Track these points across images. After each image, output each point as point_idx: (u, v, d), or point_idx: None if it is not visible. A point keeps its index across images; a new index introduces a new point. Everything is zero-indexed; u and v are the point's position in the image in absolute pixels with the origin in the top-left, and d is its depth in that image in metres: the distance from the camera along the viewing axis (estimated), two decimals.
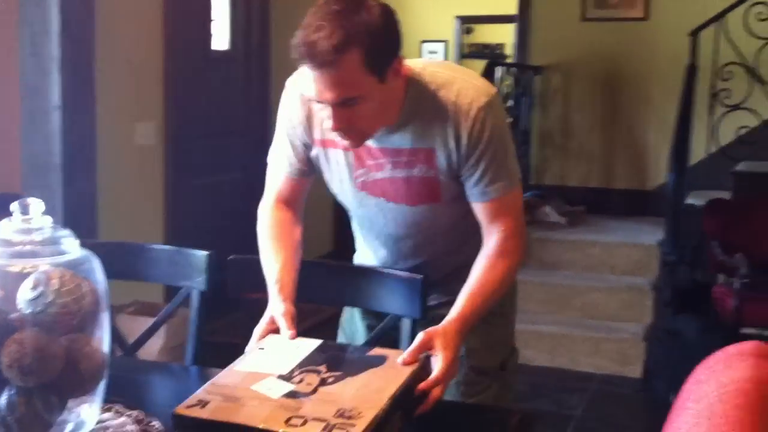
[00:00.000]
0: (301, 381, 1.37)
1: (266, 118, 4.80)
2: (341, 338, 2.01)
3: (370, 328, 1.92)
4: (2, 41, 3.30)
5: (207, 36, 4.48)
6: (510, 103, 5.44)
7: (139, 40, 3.83)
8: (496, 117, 1.65)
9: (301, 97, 1.71)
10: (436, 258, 1.79)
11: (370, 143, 1.66)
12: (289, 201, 1.84)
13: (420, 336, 1.49)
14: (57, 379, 1.24)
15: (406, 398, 1.35)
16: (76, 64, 3.33)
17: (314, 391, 1.33)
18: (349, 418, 1.24)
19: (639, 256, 4.58)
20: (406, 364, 1.42)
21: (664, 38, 5.32)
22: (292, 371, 1.40)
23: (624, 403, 3.82)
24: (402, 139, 1.65)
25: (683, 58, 4.66)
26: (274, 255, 1.74)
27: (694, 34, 4.62)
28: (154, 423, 1.37)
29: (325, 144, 1.74)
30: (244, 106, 4.78)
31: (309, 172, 1.81)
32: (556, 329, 4.26)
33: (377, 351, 1.50)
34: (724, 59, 4.59)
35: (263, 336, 1.58)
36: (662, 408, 1.14)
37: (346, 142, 1.62)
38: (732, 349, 1.10)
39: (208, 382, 1.38)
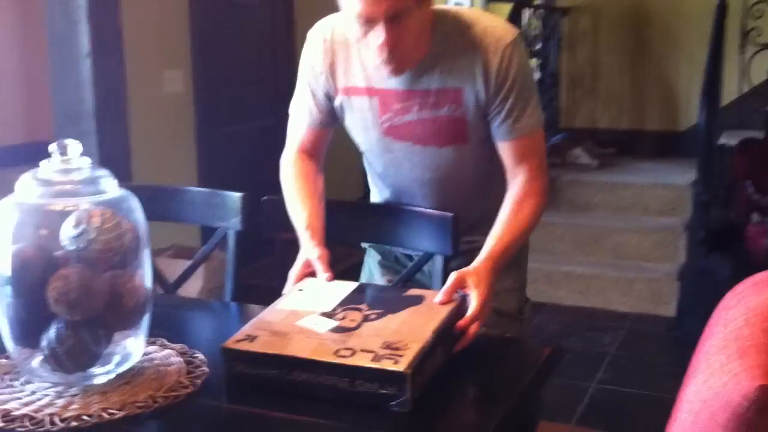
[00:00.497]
0: (344, 318, 1.39)
1: (292, 66, 4.78)
2: None
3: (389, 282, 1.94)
4: None
5: None
6: (538, 46, 5.37)
7: None
8: (522, 55, 1.67)
9: (324, 45, 1.73)
10: (460, 206, 1.79)
11: (398, 86, 1.67)
12: (312, 152, 1.85)
13: (452, 276, 1.51)
14: (102, 313, 1.28)
15: (446, 334, 1.37)
16: (102, 13, 3.34)
17: (358, 326, 1.36)
18: (396, 349, 1.26)
19: (671, 196, 4.55)
20: (441, 303, 1.45)
21: None
22: (335, 309, 1.43)
23: (656, 341, 3.83)
24: (429, 80, 1.66)
25: None
26: (301, 204, 1.76)
27: None
28: (197, 355, 1.41)
29: (348, 92, 1.74)
30: (269, 54, 4.77)
31: (330, 122, 1.81)
32: (588, 270, 4.26)
33: (414, 291, 1.51)
34: None
35: (299, 279, 1.61)
36: (694, 346, 1.14)
37: (387, 70, 1.61)
38: (760, 276, 1.11)
39: (254, 319, 1.41)
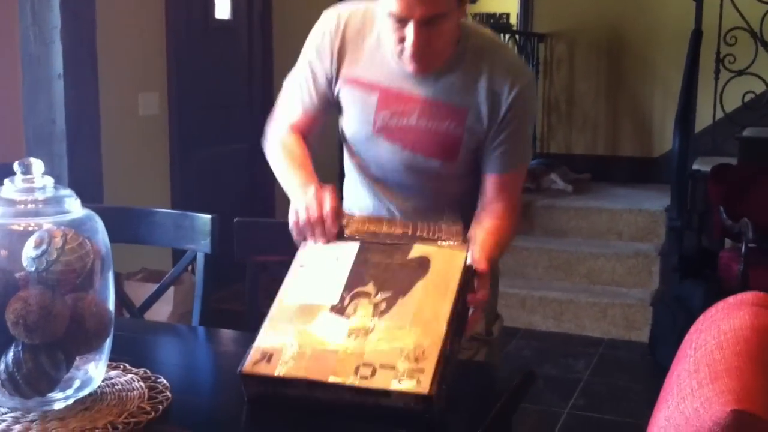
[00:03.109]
0: (355, 311, 1.35)
1: (269, 89, 4.78)
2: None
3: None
4: (2, 12, 3.27)
5: (209, 5, 4.44)
6: None
7: (140, 8, 3.80)
8: (532, 99, 1.73)
9: (338, 29, 1.71)
10: (432, 214, 1.76)
11: (405, 87, 1.66)
12: (303, 132, 1.80)
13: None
14: (63, 336, 1.25)
15: (459, 319, 1.35)
16: (77, 34, 3.31)
17: (372, 329, 1.32)
18: (416, 360, 1.25)
19: (645, 222, 4.58)
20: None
21: (668, 4, 5.28)
22: (342, 298, 1.38)
23: (630, 367, 3.82)
24: (439, 91, 1.65)
25: (687, 24, 4.62)
26: (299, 165, 1.71)
27: None
28: (161, 380, 1.38)
29: (350, 82, 1.72)
30: (246, 76, 4.76)
31: (325, 107, 1.78)
32: (562, 295, 4.26)
33: (418, 250, 1.44)
34: (729, 24, 4.54)
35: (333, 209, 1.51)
36: (668, 373, 1.14)
37: (411, 68, 1.61)
38: (732, 299, 1.10)
39: (264, 323, 1.36)
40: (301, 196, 1.55)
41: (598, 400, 3.42)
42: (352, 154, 1.83)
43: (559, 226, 4.70)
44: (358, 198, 1.86)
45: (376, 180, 1.80)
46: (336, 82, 1.74)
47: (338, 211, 1.50)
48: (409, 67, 1.61)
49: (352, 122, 1.75)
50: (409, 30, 1.54)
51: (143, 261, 3.52)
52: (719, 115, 4.61)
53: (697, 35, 4.51)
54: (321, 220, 1.49)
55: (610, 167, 5.52)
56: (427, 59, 1.60)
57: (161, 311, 3.13)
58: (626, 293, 4.26)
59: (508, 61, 1.67)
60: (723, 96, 4.55)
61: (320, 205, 1.50)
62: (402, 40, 1.57)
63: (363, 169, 1.82)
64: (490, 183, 1.71)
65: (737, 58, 4.53)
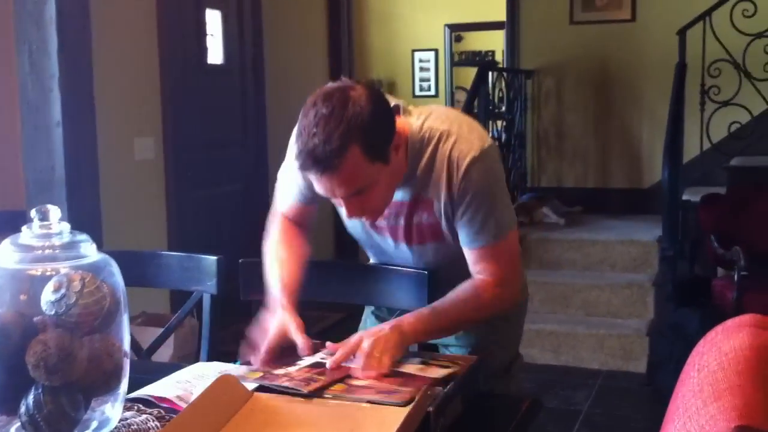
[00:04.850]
0: None
1: (263, 130, 4.85)
2: None
3: None
4: (1, 60, 3.33)
5: (202, 50, 4.52)
6: (503, 107, 5.50)
7: (135, 56, 3.87)
8: (487, 169, 1.67)
9: None
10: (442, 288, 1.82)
11: None
12: (300, 221, 1.89)
13: (352, 337, 1.56)
14: (81, 377, 1.28)
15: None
16: (75, 82, 3.37)
17: None
18: None
19: (638, 252, 4.62)
20: (335, 364, 1.50)
21: (652, 38, 5.39)
22: None
23: (629, 397, 3.85)
24: (405, 194, 1.71)
25: (672, 56, 4.72)
26: (279, 265, 1.78)
27: (682, 32, 4.68)
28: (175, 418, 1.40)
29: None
30: (240, 118, 4.82)
31: (317, 199, 1.81)
32: (559, 327, 4.30)
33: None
34: (712, 56, 4.64)
35: (271, 346, 1.59)
36: (667, 401, 1.17)
37: (365, 222, 1.72)
38: (731, 322, 1.14)
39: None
40: (273, 314, 1.67)
41: (599, 430, 3.44)
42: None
43: (553, 259, 4.74)
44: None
45: (387, 261, 1.89)
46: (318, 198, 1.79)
47: (270, 354, 1.57)
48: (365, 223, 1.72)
49: (346, 219, 1.79)
50: (339, 202, 1.61)
51: (142, 305, 3.55)
52: (706, 145, 4.69)
53: (681, 68, 4.60)
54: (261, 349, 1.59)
55: (602, 199, 5.58)
56: (372, 212, 1.66)
57: (163, 354, 3.14)
58: (622, 324, 4.30)
59: (453, 143, 1.66)
60: (709, 126, 4.64)
61: (263, 336, 1.61)
62: (340, 204, 1.62)
63: (370, 249, 1.93)
64: (468, 258, 1.73)
65: (722, 89, 4.63)
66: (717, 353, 1.06)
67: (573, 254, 4.73)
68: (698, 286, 3.99)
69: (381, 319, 1.97)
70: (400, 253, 1.82)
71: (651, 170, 5.46)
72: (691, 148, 4.85)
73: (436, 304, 1.69)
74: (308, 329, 1.63)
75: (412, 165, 1.67)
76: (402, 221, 1.75)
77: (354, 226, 1.84)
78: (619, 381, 4.01)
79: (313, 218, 1.90)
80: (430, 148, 1.67)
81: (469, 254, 1.72)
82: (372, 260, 1.99)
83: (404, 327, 1.59)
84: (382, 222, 1.77)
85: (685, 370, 1.17)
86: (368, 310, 2.04)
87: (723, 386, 0.93)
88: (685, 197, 4.56)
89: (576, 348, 4.24)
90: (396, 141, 1.59)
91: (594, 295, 4.45)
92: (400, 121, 1.64)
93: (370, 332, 1.57)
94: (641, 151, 5.59)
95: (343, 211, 1.68)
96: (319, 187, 1.56)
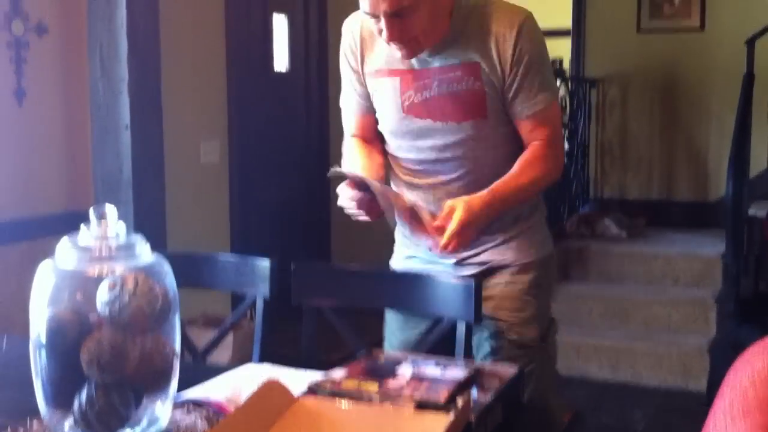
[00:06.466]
0: None
1: (325, 137, 4.90)
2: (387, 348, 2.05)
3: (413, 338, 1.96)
4: (74, 64, 3.44)
5: (268, 57, 4.60)
6: (566, 117, 5.45)
7: (203, 61, 3.96)
8: (534, 32, 1.76)
9: (353, 34, 1.87)
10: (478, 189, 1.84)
11: (416, 65, 1.78)
12: (366, 136, 1.95)
13: (445, 206, 1.67)
14: (132, 376, 1.32)
15: None
16: (143, 86, 3.46)
17: None
18: None
19: (701, 267, 4.53)
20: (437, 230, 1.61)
21: (720, 47, 5.28)
22: None
23: (687, 417, 3.75)
24: (447, 58, 1.76)
25: (740, 67, 4.61)
26: (364, 159, 1.89)
27: (751, 42, 4.57)
28: (222, 419, 1.44)
29: (375, 74, 1.86)
30: (304, 124, 4.89)
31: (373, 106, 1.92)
32: (618, 342, 4.23)
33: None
34: None
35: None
36: None
37: (401, 53, 1.74)
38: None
39: None
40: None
41: None
42: (393, 157, 1.93)
43: (614, 272, 4.68)
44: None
45: (417, 174, 1.89)
46: (365, 79, 1.88)
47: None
48: (398, 53, 1.74)
49: (385, 112, 1.87)
50: (382, 24, 1.67)
51: (204, 306, 3.62)
52: None
53: (749, 79, 4.50)
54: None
55: (665, 211, 5.49)
56: (410, 45, 1.71)
57: (221, 356, 3.20)
58: (683, 340, 4.21)
59: (501, 9, 1.76)
60: None
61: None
62: (380, 32, 1.70)
63: (405, 167, 1.92)
64: (522, 127, 1.79)
65: None
66: (750, 371, 1.05)
67: (634, 267, 4.66)
68: (762, 303, 3.90)
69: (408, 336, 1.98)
70: (436, 144, 1.82)
71: (717, 183, 5.34)
72: (759, 162, 4.74)
73: (504, 183, 1.77)
74: (369, 335, 1.66)
75: (459, 25, 1.74)
76: (446, 88, 1.77)
77: (390, 118, 1.86)
78: (677, 400, 3.92)
79: (376, 129, 1.94)
80: (475, 13, 1.75)
81: (526, 121, 1.78)
82: (398, 185, 1.95)
83: (486, 210, 1.71)
84: (425, 92, 1.78)
85: (721, 387, 1.16)
86: (395, 329, 2.03)
87: (753, 403, 0.93)
88: (750, 212, 4.45)
89: (634, 364, 4.16)
90: None
91: (655, 310, 4.37)
92: None
93: (460, 201, 1.69)
94: (707, 164, 5.48)
95: (384, 36, 1.72)
96: (364, 5, 1.66)
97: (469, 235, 1.68)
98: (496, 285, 1.87)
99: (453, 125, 1.79)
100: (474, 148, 1.81)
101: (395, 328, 2.03)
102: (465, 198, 1.70)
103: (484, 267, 1.88)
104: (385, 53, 1.82)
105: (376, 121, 1.93)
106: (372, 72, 1.86)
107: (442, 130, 1.80)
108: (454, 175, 1.84)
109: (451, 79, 1.76)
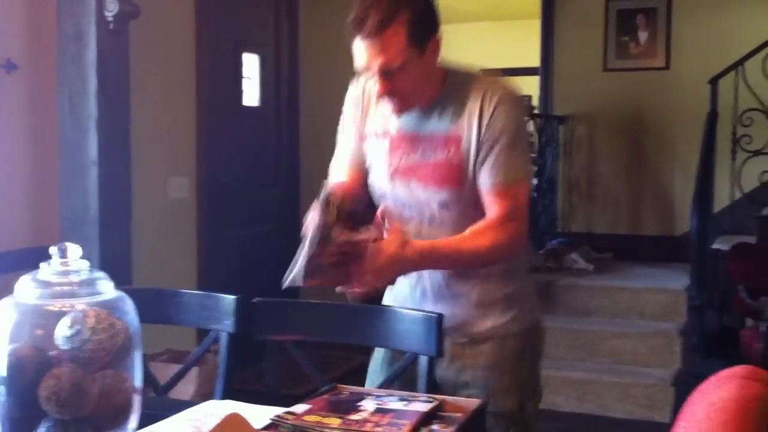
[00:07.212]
0: None
1: (295, 172, 4.93)
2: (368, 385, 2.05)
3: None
4: (43, 101, 3.45)
5: (238, 93, 4.63)
6: (535, 153, 5.53)
7: (172, 98, 3.98)
8: (516, 110, 1.82)
9: (359, 92, 1.94)
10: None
11: (408, 129, 1.85)
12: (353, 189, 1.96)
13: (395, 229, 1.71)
14: (92, 412, 1.32)
15: None
16: (112, 122, 3.47)
17: None
18: None
19: (667, 301, 4.59)
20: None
21: (684, 86, 5.40)
22: None
23: None
24: (436, 125, 1.82)
25: (704, 105, 4.73)
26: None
27: (714, 81, 4.69)
28: None
29: (369, 136, 1.93)
30: (274, 160, 4.91)
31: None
32: (584, 375, 4.26)
33: None
34: (744, 106, 4.64)
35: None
36: None
37: (391, 108, 1.81)
38: (724, 372, 1.16)
39: None
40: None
41: None
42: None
43: (581, 306, 4.72)
44: None
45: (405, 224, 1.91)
46: (364, 139, 1.95)
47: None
48: (392, 116, 1.83)
49: (375, 172, 1.92)
50: (376, 80, 1.75)
51: (168, 342, 3.60)
52: (737, 194, 4.67)
53: (712, 117, 4.61)
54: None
55: (632, 246, 5.56)
56: (400, 101, 1.78)
57: (185, 390, 3.18)
58: (648, 373, 4.25)
59: (489, 82, 1.82)
60: (741, 176, 4.62)
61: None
62: (376, 81, 1.76)
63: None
64: (485, 197, 1.80)
65: (753, 139, 4.62)
66: (705, 404, 1.08)
67: (601, 301, 4.71)
68: (726, 337, 3.95)
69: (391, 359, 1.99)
70: (416, 206, 1.86)
71: (683, 218, 5.43)
72: (723, 198, 4.83)
73: (449, 241, 1.79)
74: (333, 369, 1.66)
75: (450, 93, 1.81)
76: (429, 156, 1.82)
77: (380, 179, 1.90)
78: (643, 431, 3.96)
79: (365, 192, 1.97)
80: (467, 83, 1.82)
81: (486, 193, 1.80)
82: None
83: (417, 259, 1.73)
84: (411, 156, 1.84)
85: (676, 421, 1.18)
86: (382, 364, 2.03)
87: None
88: (715, 246, 4.53)
89: (601, 396, 4.20)
90: (436, 41, 1.77)
91: (621, 343, 4.42)
92: (446, 58, 1.82)
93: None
94: (673, 199, 5.58)
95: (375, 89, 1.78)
96: (360, 57, 1.73)
97: (389, 274, 1.70)
98: (480, 354, 1.88)
99: (431, 190, 1.84)
100: (449, 211, 1.85)
101: (377, 368, 2.03)
102: (408, 238, 1.71)
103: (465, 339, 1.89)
104: (380, 116, 1.90)
105: (365, 180, 1.96)
106: (367, 133, 1.93)
107: (422, 193, 1.85)
108: (430, 229, 1.87)
109: (435, 147, 1.82)
